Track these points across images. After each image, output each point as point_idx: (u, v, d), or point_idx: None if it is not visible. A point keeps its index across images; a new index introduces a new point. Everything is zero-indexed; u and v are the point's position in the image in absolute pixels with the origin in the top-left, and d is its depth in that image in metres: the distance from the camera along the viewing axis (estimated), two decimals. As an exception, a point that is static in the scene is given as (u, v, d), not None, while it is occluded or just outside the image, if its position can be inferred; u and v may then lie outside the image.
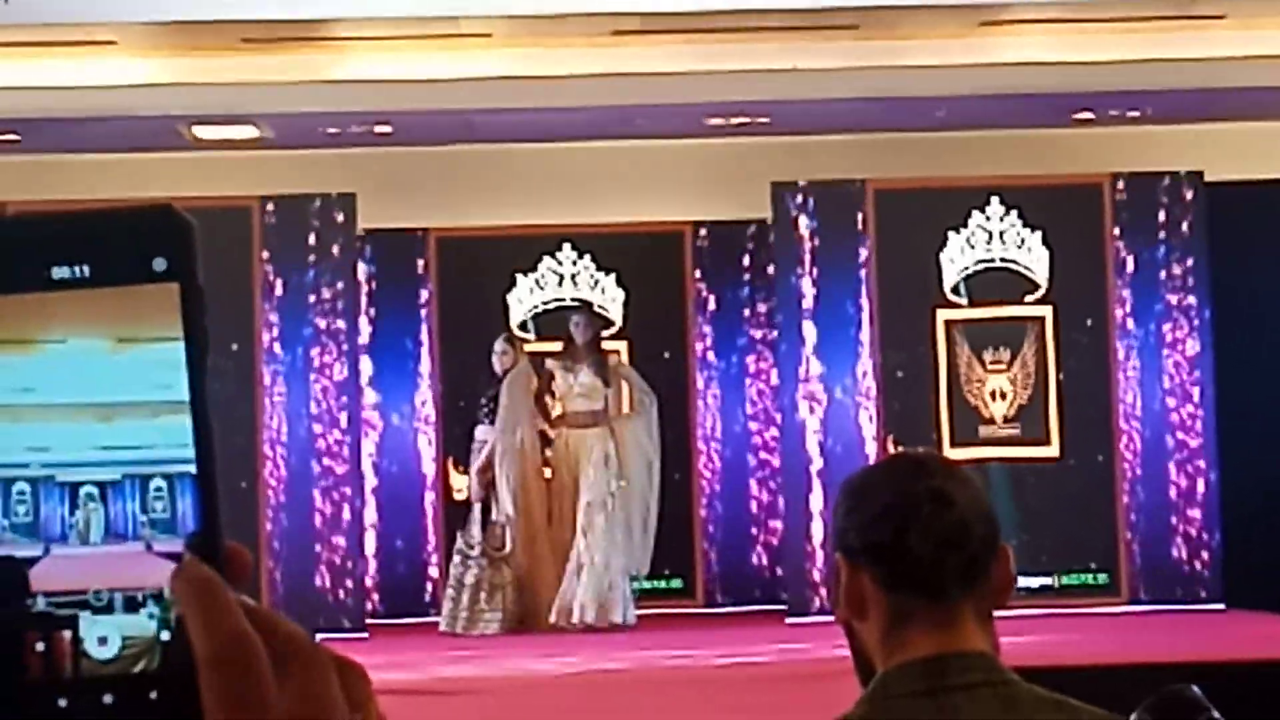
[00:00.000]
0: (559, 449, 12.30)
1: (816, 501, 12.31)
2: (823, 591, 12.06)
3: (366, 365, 13.11)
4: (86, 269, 0.90)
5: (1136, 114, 12.87)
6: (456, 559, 12.15)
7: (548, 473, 12.33)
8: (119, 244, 0.90)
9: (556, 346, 12.50)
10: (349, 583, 12.23)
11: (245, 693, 0.87)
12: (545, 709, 8.99)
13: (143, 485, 0.90)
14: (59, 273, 0.90)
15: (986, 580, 2.39)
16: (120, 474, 0.90)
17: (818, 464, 12.41)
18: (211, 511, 0.90)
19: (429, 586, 13.28)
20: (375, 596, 13.02)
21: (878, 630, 2.39)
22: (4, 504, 0.91)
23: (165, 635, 0.89)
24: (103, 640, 0.90)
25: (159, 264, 0.90)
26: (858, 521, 2.41)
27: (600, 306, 13.24)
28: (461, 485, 13.41)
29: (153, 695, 0.89)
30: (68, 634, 0.89)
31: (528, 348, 12.84)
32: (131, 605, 0.90)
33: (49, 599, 0.90)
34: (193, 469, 0.90)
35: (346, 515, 12.29)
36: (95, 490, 0.91)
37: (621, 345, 13.19)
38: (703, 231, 13.54)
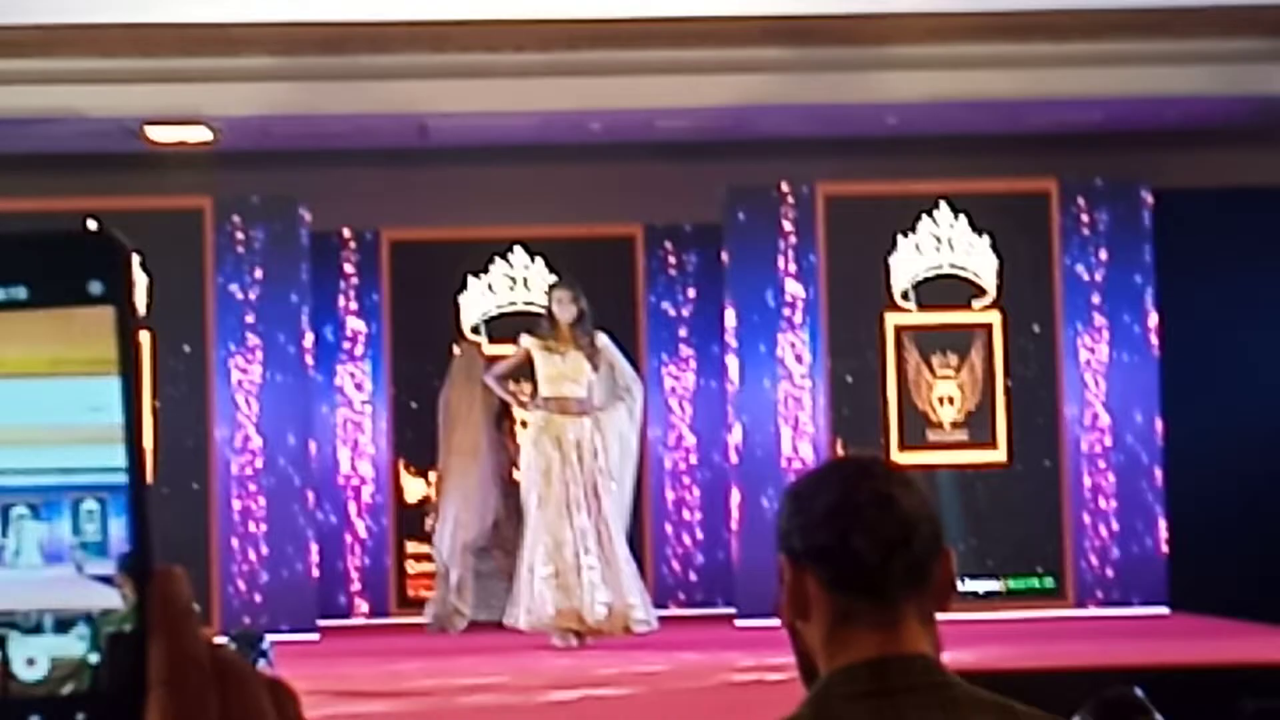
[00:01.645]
0: (539, 435, 11.12)
1: (763, 506, 12.36)
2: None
3: (318, 367, 13.11)
4: (22, 291, 0.89)
5: (1084, 121, 12.96)
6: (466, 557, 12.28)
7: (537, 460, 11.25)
8: (56, 266, 0.90)
9: (508, 350, 11.74)
10: (301, 583, 12.24)
11: (193, 710, 0.87)
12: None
13: (74, 507, 0.90)
14: None
15: (929, 582, 2.40)
16: (52, 496, 0.90)
17: (766, 469, 12.46)
18: (144, 534, 0.89)
19: (384, 587, 13.30)
20: (328, 598, 13.02)
21: (821, 631, 2.40)
22: None
23: (94, 658, 0.89)
24: (30, 662, 0.89)
25: (95, 287, 0.90)
26: (801, 524, 2.42)
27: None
28: (413, 487, 13.45)
29: (80, 717, 0.88)
30: None
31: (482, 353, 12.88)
32: (61, 627, 0.89)
33: None
34: (125, 492, 0.89)
35: (297, 517, 12.29)
36: (27, 511, 0.90)
37: (572, 349, 13.22)
38: (655, 236, 13.59)
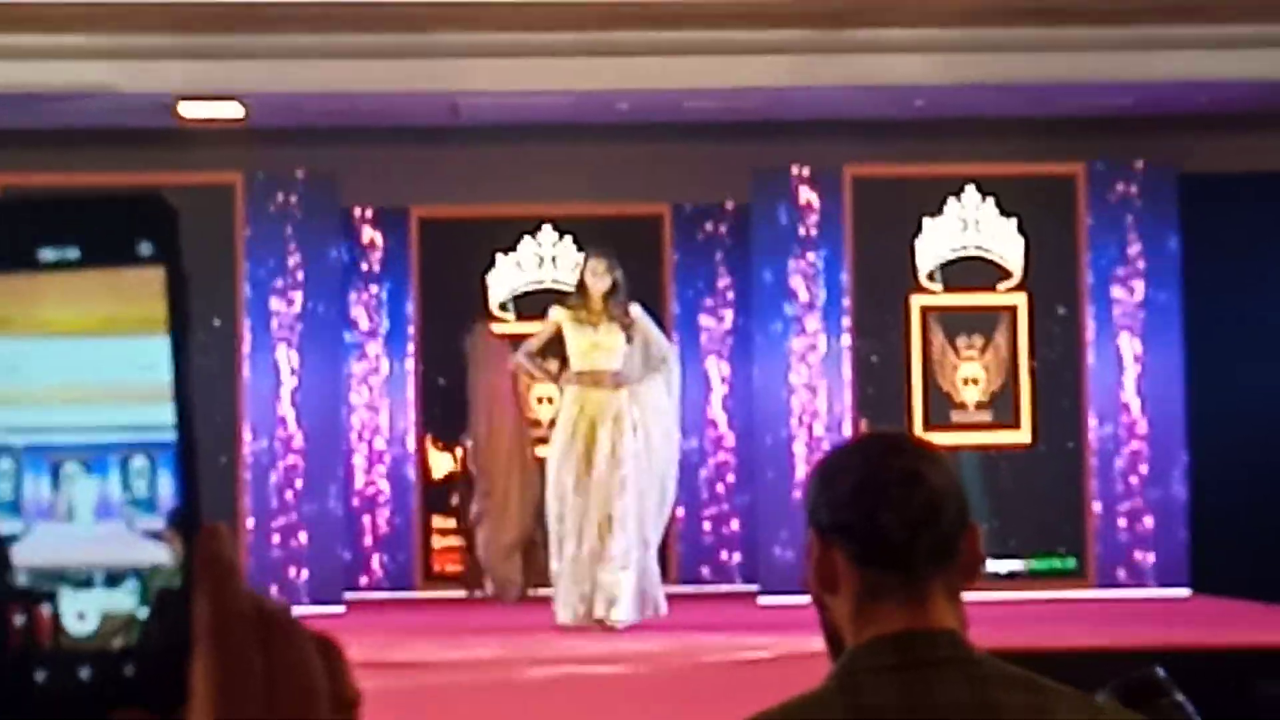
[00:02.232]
0: (571, 411, 10.74)
1: (786, 486, 12.41)
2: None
3: (346, 343, 13.17)
4: (75, 251, 0.90)
5: (1113, 105, 12.96)
6: None
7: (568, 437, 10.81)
8: (107, 227, 0.91)
9: (536, 328, 11.49)
10: (328, 557, 12.32)
11: (236, 664, 0.88)
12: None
13: (124, 464, 0.90)
14: (47, 254, 0.90)
15: (957, 558, 2.41)
16: (103, 453, 0.91)
17: (790, 448, 12.50)
18: (192, 490, 0.90)
19: (410, 564, 13.37)
20: (354, 572, 13.09)
21: (848, 606, 2.41)
22: None
23: (143, 612, 0.90)
24: (81, 616, 0.90)
25: (145, 248, 0.91)
26: (829, 499, 2.43)
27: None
28: (440, 462, 13.52)
29: (129, 671, 0.89)
30: (47, 609, 0.90)
31: (507, 329, 12.94)
32: (111, 582, 0.90)
33: (31, 574, 0.90)
34: (174, 449, 0.90)
35: (324, 492, 12.36)
36: (78, 468, 0.91)
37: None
38: (682, 216, 13.62)
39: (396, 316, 13.51)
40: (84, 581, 0.90)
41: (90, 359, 0.90)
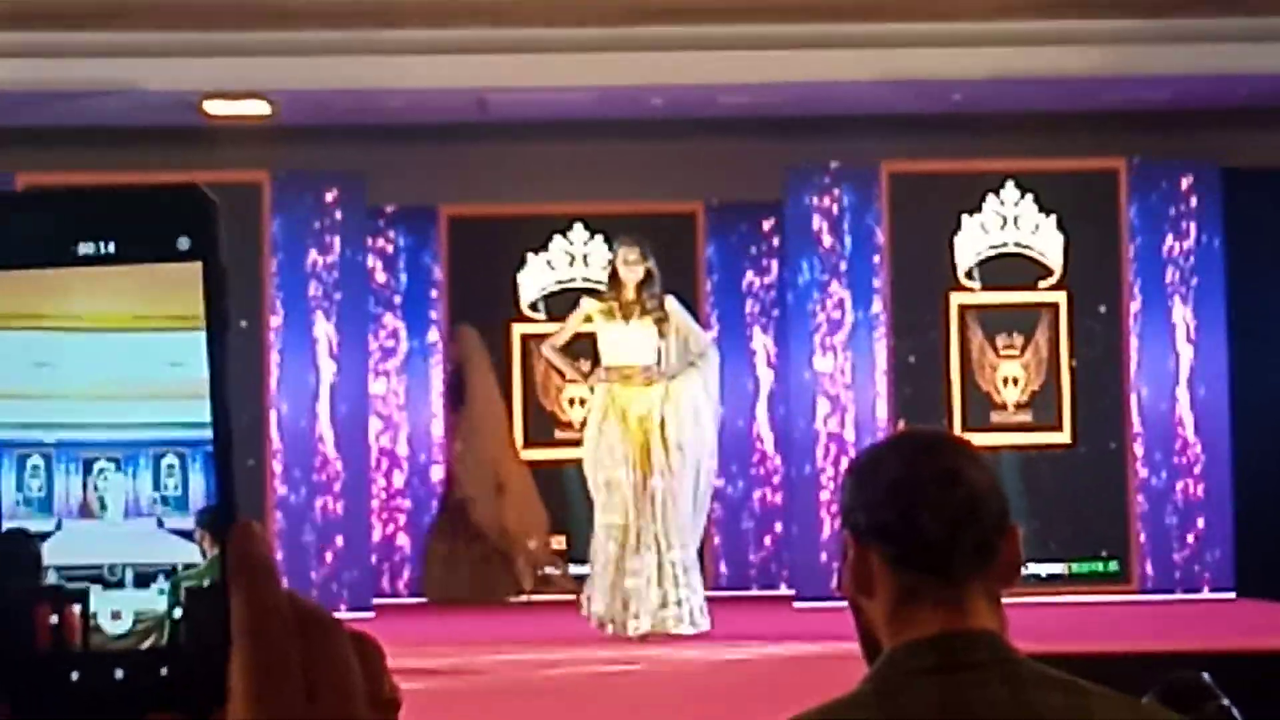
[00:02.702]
0: (603, 411, 10.27)
1: (821, 486, 12.26)
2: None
3: (375, 343, 13.07)
4: (111, 245, 0.91)
5: (1153, 99, 12.81)
6: None
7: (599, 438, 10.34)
8: (144, 221, 0.91)
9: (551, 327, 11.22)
10: (356, 561, 12.21)
11: (274, 662, 0.88)
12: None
13: (156, 462, 0.91)
14: (84, 248, 0.91)
15: (996, 559, 2.36)
16: (134, 450, 0.91)
17: (826, 448, 12.36)
18: (228, 488, 0.91)
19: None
20: (382, 576, 13.00)
21: (884, 608, 2.37)
22: (18, 478, 0.92)
23: (177, 612, 0.90)
24: (115, 615, 0.90)
25: (183, 242, 0.91)
26: (865, 500, 2.39)
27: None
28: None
29: (163, 671, 0.90)
30: (78, 608, 0.90)
31: (538, 330, 12.82)
32: (142, 581, 0.91)
33: (61, 573, 0.91)
34: (206, 447, 0.90)
35: (354, 494, 12.26)
36: (109, 466, 0.91)
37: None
38: (716, 213, 13.50)
39: (425, 316, 13.40)
40: (116, 581, 0.91)
41: (122, 355, 0.91)
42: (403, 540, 13.25)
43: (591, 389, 10.61)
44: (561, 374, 11.88)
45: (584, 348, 10.86)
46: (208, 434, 0.90)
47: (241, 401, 11.83)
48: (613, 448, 10.08)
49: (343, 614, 10.96)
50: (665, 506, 10.00)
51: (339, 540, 12.18)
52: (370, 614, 11.89)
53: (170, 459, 0.91)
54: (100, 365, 0.91)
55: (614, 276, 10.28)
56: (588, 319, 10.38)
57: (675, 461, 10.06)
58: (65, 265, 0.91)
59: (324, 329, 12.26)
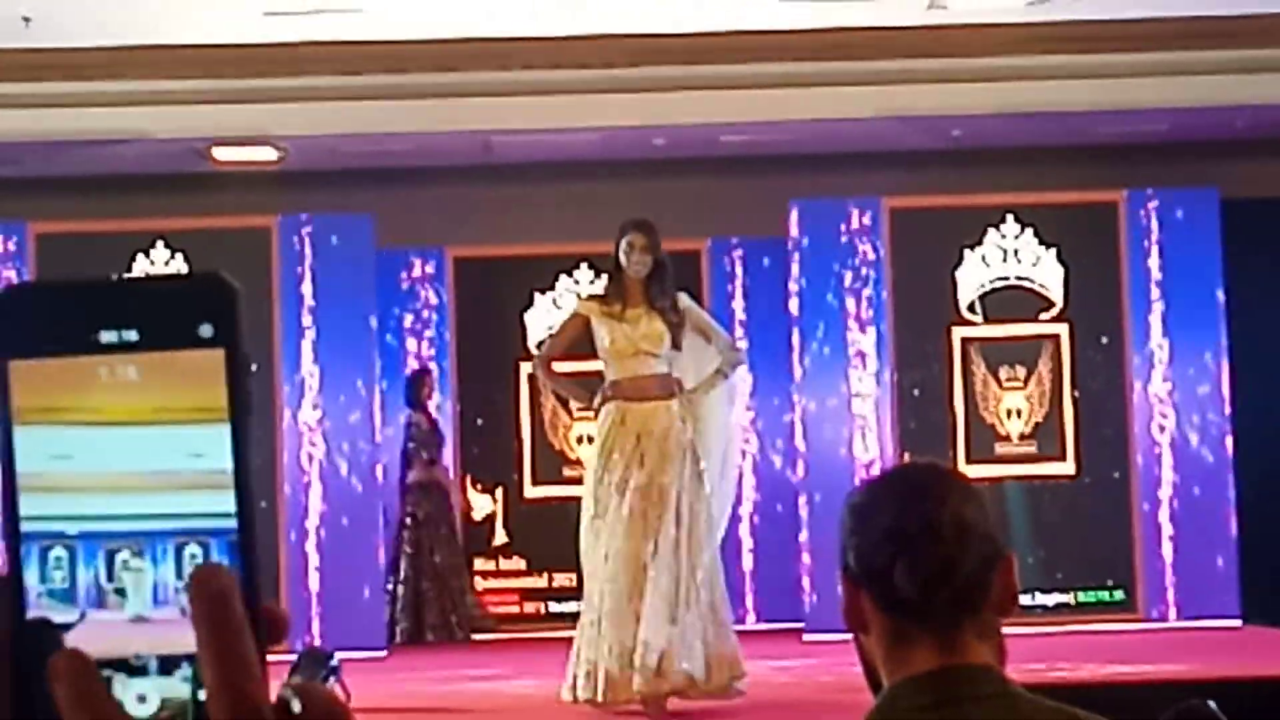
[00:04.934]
0: (612, 432, 8.37)
1: (829, 520, 12.31)
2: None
3: (384, 384, 13.13)
4: (134, 333, 0.91)
5: (1151, 131, 12.89)
6: None
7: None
8: (166, 309, 0.91)
9: (576, 366, 9.49)
10: (370, 600, 12.26)
11: None
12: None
13: (179, 552, 0.91)
14: (106, 336, 0.91)
15: (985, 598, 2.38)
16: (157, 541, 0.91)
17: (830, 482, 12.41)
18: (252, 578, 0.91)
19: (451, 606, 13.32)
20: (397, 614, 13.03)
21: (880, 647, 2.41)
22: (41, 570, 0.91)
23: (202, 694, 0.90)
24: (141, 699, 0.91)
25: (205, 330, 0.90)
26: (856, 544, 2.42)
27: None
28: (480, 503, 13.46)
29: None
30: None
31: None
32: (166, 668, 0.91)
33: None
34: (230, 536, 0.91)
35: (365, 533, 12.31)
36: (132, 556, 0.91)
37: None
38: (720, 250, 13.57)
39: (435, 357, 13.47)
40: (140, 669, 0.90)
41: (144, 448, 0.90)
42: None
43: (596, 411, 8.62)
44: (556, 394, 10.53)
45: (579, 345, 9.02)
46: (231, 523, 0.91)
47: (252, 443, 11.88)
48: (619, 475, 8.26)
49: (353, 654, 11.04)
50: (684, 553, 8.24)
51: (352, 579, 12.21)
52: (383, 653, 11.94)
53: (193, 548, 0.91)
54: (122, 458, 0.91)
55: (617, 270, 8.53)
56: (581, 321, 8.65)
57: (691, 492, 8.29)
58: (87, 354, 0.90)
59: (333, 369, 12.33)
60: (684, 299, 8.60)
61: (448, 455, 13.41)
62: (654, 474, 8.22)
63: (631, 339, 8.37)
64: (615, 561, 8.16)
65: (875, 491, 2.52)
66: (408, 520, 13.00)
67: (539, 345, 12.84)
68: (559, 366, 9.02)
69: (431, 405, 13.26)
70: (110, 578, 0.91)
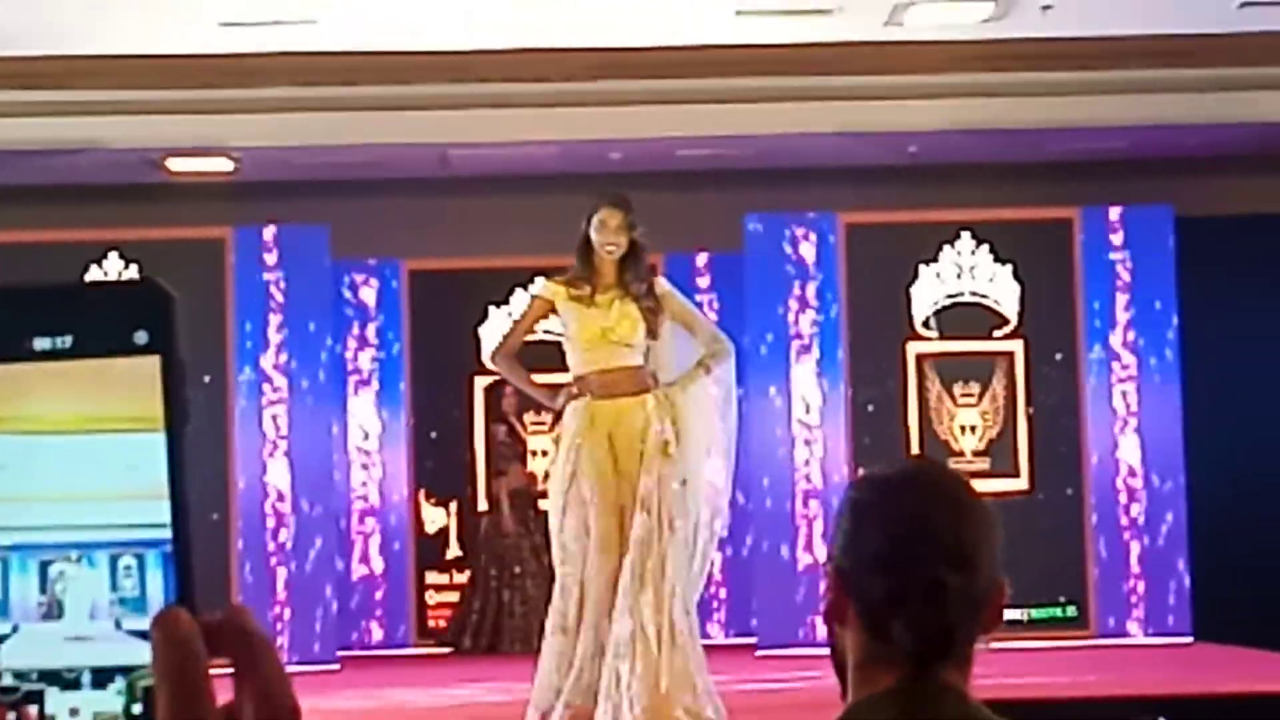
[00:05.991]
0: (581, 433, 7.42)
1: (779, 536, 12.32)
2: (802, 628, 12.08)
3: (338, 397, 13.09)
4: (68, 340, 0.90)
5: (1106, 149, 12.94)
6: None
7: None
8: (101, 316, 0.90)
9: (547, 380, 8.26)
10: (320, 614, 12.22)
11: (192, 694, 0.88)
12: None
13: (113, 563, 0.90)
14: (41, 343, 0.90)
15: (975, 635, 2.39)
16: (91, 552, 0.90)
17: (785, 498, 12.42)
18: (187, 590, 0.90)
19: (402, 618, 13.29)
20: (347, 627, 13.00)
21: (853, 655, 2.37)
22: None
23: (136, 708, 0.90)
24: (74, 711, 0.90)
25: (140, 336, 0.90)
26: (853, 557, 2.37)
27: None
28: (433, 517, 13.43)
29: None
30: (34, 710, 0.90)
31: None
32: (100, 681, 0.90)
33: (17, 676, 0.90)
34: (164, 547, 0.90)
35: (317, 546, 12.27)
36: (66, 568, 0.90)
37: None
38: (676, 265, 13.56)
39: (388, 370, 13.44)
40: (72, 682, 0.89)
41: (79, 457, 0.89)
42: (366, 592, 13.27)
43: (559, 413, 7.72)
44: (518, 390, 9.29)
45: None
46: (165, 534, 0.89)
47: (204, 456, 11.85)
48: (589, 482, 7.36)
49: (306, 667, 11.00)
50: (659, 564, 7.29)
51: (302, 592, 12.17)
52: (335, 666, 11.90)
53: (128, 560, 0.90)
54: (56, 468, 0.89)
55: (586, 249, 7.66)
56: (548, 308, 7.75)
57: (670, 500, 7.33)
58: (21, 360, 0.90)
59: (287, 383, 12.29)
60: (663, 283, 7.78)
61: (401, 468, 13.38)
62: (626, 481, 7.31)
63: (603, 327, 7.48)
64: (591, 588, 7.32)
65: (877, 494, 2.44)
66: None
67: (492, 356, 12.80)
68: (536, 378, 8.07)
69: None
70: (44, 589, 0.90)
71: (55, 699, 0.89)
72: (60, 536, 0.90)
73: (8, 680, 0.90)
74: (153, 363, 0.90)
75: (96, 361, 0.90)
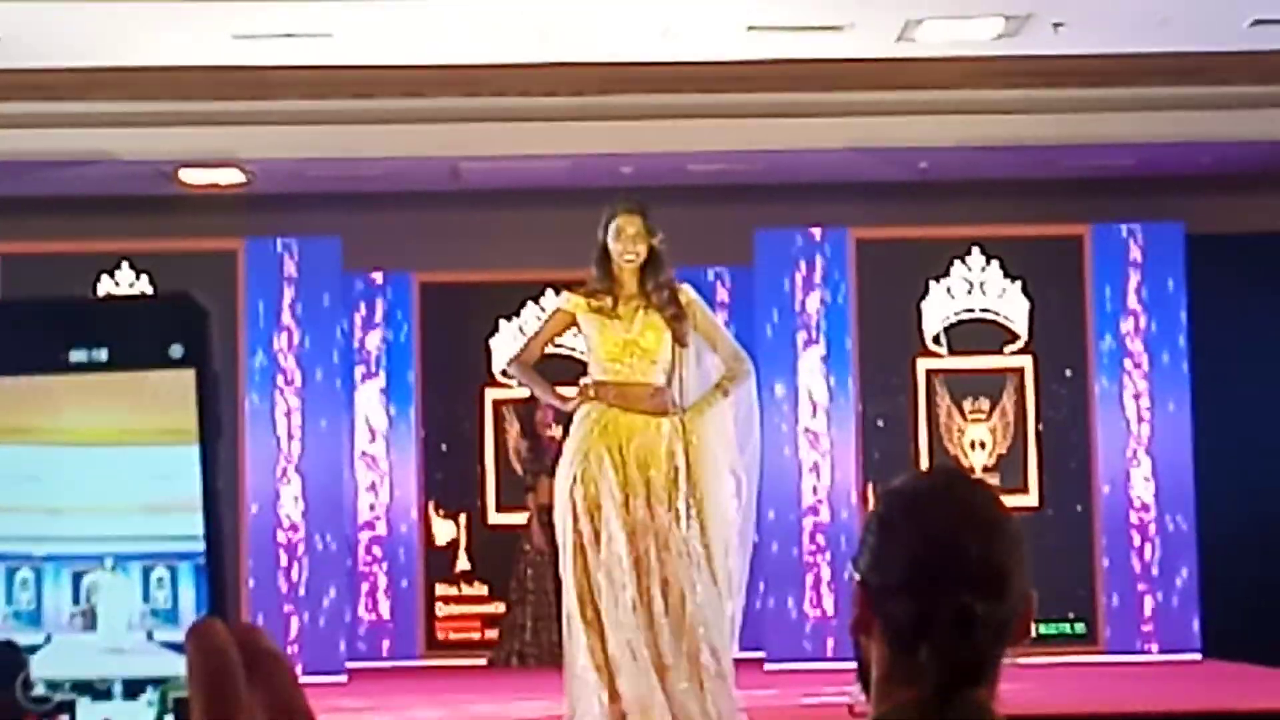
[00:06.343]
0: (589, 439, 7.04)
1: (790, 551, 12.32)
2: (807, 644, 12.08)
3: (349, 408, 13.11)
4: (104, 353, 0.91)
5: (1117, 166, 12.94)
6: None
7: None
8: (137, 329, 0.91)
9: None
10: (330, 626, 12.22)
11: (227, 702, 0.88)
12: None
13: (146, 575, 0.91)
14: (76, 355, 0.91)
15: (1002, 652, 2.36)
16: (124, 563, 0.91)
17: (794, 514, 12.42)
18: (219, 602, 0.91)
19: (413, 630, 13.29)
20: (357, 639, 13.01)
21: (878, 668, 2.34)
22: (7, 591, 0.91)
23: (168, 719, 0.90)
24: None
25: (176, 350, 0.91)
26: (881, 577, 2.32)
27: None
28: (442, 529, 13.43)
29: None
30: (65, 719, 0.90)
31: (509, 395, 12.89)
32: (131, 692, 0.90)
33: (50, 685, 0.91)
34: (197, 559, 0.91)
35: (327, 558, 12.28)
36: (99, 579, 0.91)
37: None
38: (686, 279, 13.55)
39: (399, 382, 13.45)
40: (104, 692, 0.90)
41: (113, 469, 0.90)
42: (375, 604, 13.27)
43: (570, 415, 7.36)
44: (537, 401, 9.49)
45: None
46: (198, 546, 0.90)
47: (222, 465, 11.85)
48: (597, 495, 6.94)
49: (314, 678, 11.01)
50: (670, 590, 6.93)
51: (311, 602, 12.18)
52: (343, 678, 11.91)
53: (160, 571, 0.90)
54: (90, 479, 0.90)
55: (604, 258, 7.31)
56: (569, 320, 7.40)
57: (690, 527, 6.96)
58: (57, 372, 0.90)
59: (299, 394, 12.31)
60: (688, 290, 7.37)
61: (411, 480, 13.39)
62: (635, 499, 6.91)
63: (624, 339, 7.13)
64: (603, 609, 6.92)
65: (904, 512, 2.38)
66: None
67: (503, 372, 12.85)
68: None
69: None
70: (77, 600, 0.91)
71: (87, 709, 0.90)
72: (93, 548, 0.91)
73: (40, 690, 0.90)
74: (188, 376, 0.91)
75: (131, 374, 0.90)
